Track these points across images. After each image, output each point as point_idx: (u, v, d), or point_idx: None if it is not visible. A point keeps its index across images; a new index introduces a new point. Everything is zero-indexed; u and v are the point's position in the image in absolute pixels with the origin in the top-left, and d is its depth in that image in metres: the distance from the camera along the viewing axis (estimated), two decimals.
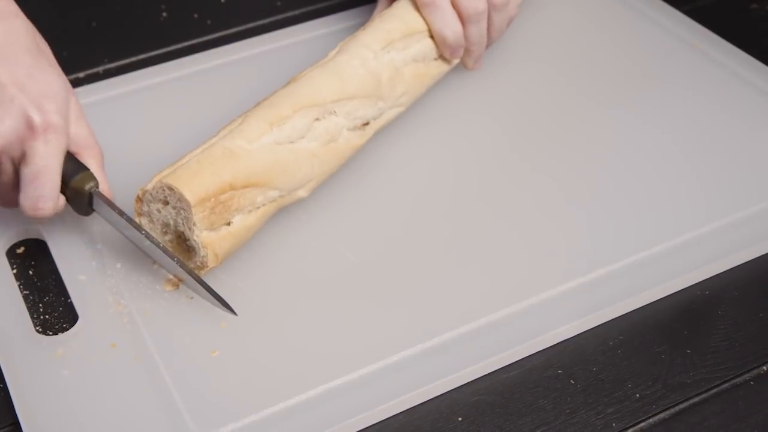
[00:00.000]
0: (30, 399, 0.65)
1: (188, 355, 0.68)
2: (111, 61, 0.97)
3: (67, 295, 0.72)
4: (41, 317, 0.72)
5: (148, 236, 0.70)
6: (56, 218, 0.77)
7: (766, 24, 1.03)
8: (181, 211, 0.69)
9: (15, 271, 0.75)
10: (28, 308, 0.72)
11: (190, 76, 0.93)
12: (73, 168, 0.71)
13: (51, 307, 0.73)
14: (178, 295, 0.72)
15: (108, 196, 0.72)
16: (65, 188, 0.71)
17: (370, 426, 0.65)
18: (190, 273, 0.70)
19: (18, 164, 0.69)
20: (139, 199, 0.71)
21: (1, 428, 0.66)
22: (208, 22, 1.03)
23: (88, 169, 0.71)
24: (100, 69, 0.96)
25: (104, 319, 0.70)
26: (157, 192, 0.70)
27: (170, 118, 0.87)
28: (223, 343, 0.69)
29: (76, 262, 0.74)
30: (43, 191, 0.69)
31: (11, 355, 0.68)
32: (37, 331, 0.70)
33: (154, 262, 0.73)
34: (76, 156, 0.72)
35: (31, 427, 0.63)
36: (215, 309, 0.71)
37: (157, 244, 0.70)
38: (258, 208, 0.73)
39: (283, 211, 0.77)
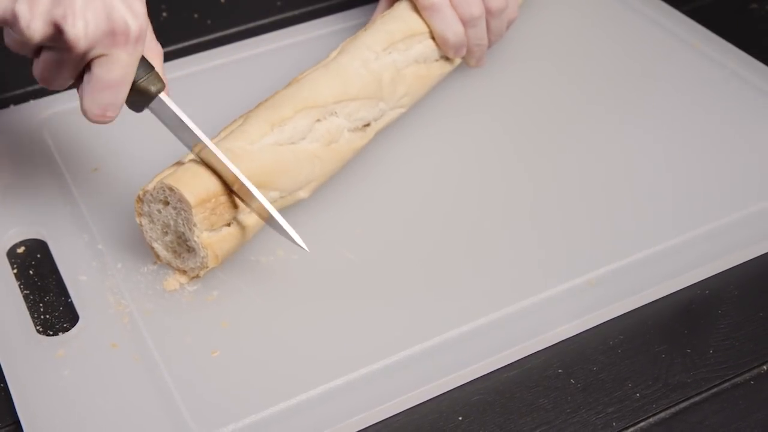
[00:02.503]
0: (31, 399, 0.65)
1: (189, 355, 0.68)
2: None
3: (67, 295, 0.72)
4: (42, 317, 0.72)
5: (205, 141, 0.68)
6: (56, 218, 0.77)
7: (765, 24, 1.03)
8: (182, 212, 0.69)
9: (15, 271, 0.75)
10: (29, 308, 0.72)
11: (190, 76, 0.93)
12: (141, 66, 0.67)
13: (51, 307, 0.73)
14: (179, 295, 0.72)
15: (167, 93, 0.69)
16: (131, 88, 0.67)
17: (370, 426, 0.65)
18: (255, 191, 0.68)
19: (92, 63, 0.64)
20: (140, 200, 0.71)
21: (1, 428, 0.66)
22: (209, 22, 1.03)
23: (154, 70, 0.68)
24: None
25: (105, 319, 0.70)
26: (157, 192, 0.70)
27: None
28: (224, 343, 0.69)
29: (77, 262, 0.74)
30: (115, 100, 0.65)
31: (12, 355, 0.68)
32: (38, 331, 0.70)
33: (157, 258, 0.73)
34: (148, 61, 0.69)
35: (31, 427, 0.63)
36: (215, 309, 0.71)
37: (215, 151, 0.67)
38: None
39: (284, 212, 0.77)
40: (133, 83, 0.67)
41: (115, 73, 0.64)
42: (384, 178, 0.82)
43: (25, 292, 0.74)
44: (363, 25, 0.94)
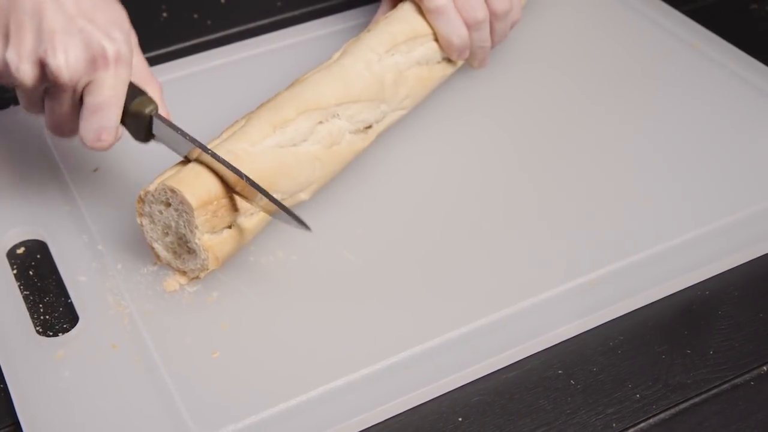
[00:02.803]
0: (30, 399, 0.65)
1: (189, 356, 0.68)
2: None
3: (67, 296, 0.72)
4: (42, 318, 0.72)
5: (215, 156, 0.69)
6: (56, 219, 0.77)
7: (766, 24, 1.03)
8: (183, 214, 0.69)
9: (15, 271, 0.75)
10: (29, 309, 0.72)
11: (190, 77, 0.93)
12: (131, 93, 0.70)
13: (51, 308, 0.73)
14: (179, 296, 0.72)
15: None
16: (124, 115, 0.70)
17: (370, 426, 0.65)
18: (259, 189, 0.69)
19: (80, 94, 0.68)
20: (141, 200, 0.71)
21: (1, 428, 0.66)
22: (209, 22, 1.03)
23: (146, 93, 0.70)
24: None
25: (105, 320, 0.70)
26: (159, 194, 0.70)
27: (171, 118, 0.87)
28: (224, 343, 0.69)
29: (77, 263, 0.74)
30: (107, 123, 0.68)
31: (12, 356, 0.68)
32: (38, 332, 0.70)
33: (157, 259, 0.73)
34: (138, 82, 0.71)
35: (31, 428, 0.63)
36: (215, 310, 0.71)
37: (226, 163, 0.68)
38: (259, 211, 0.73)
39: None
40: (127, 108, 0.69)
41: (102, 96, 0.67)
42: (384, 179, 0.82)
43: (25, 292, 0.74)
44: (363, 25, 0.94)
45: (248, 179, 0.69)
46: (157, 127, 0.71)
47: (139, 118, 0.70)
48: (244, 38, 0.98)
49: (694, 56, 0.95)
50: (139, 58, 0.73)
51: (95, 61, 0.66)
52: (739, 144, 0.85)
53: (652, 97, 0.90)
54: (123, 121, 0.70)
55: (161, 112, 0.72)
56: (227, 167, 0.68)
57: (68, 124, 0.71)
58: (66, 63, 0.65)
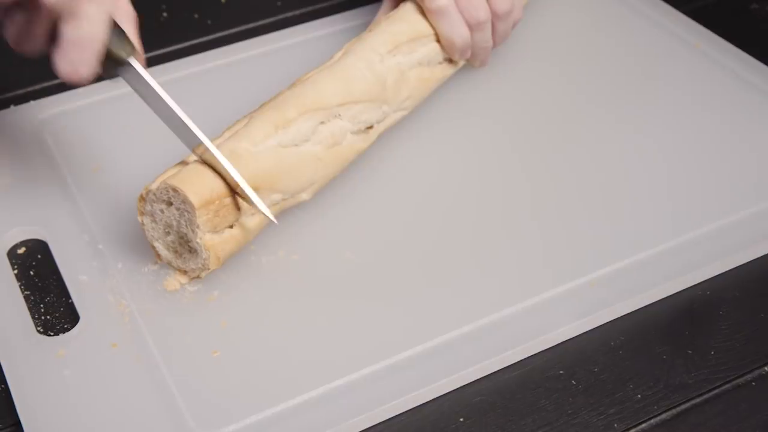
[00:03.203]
0: (31, 399, 0.65)
1: (189, 355, 0.68)
2: None
3: (68, 296, 0.72)
4: (42, 318, 0.72)
5: (175, 110, 0.69)
6: (57, 218, 0.77)
7: (766, 24, 1.03)
8: (185, 213, 0.69)
9: (16, 271, 0.75)
10: (30, 309, 0.72)
11: (190, 77, 0.93)
12: (112, 32, 0.68)
13: (52, 308, 0.73)
14: (180, 296, 0.72)
15: (141, 61, 0.70)
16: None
17: (371, 426, 0.65)
18: (217, 155, 0.69)
19: (60, 21, 0.65)
20: (143, 198, 0.71)
21: (2, 428, 0.66)
22: (209, 22, 1.03)
23: (125, 35, 0.69)
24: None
25: (105, 320, 0.70)
26: (161, 193, 0.70)
27: (143, 57, 0.86)
28: (225, 343, 0.69)
29: (77, 263, 0.74)
30: (87, 56, 0.66)
31: (12, 356, 0.68)
32: (39, 331, 0.70)
33: (158, 257, 0.73)
34: (120, 27, 0.69)
35: (32, 428, 0.63)
36: (216, 309, 0.71)
37: (184, 119, 0.69)
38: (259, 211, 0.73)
39: (286, 212, 0.77)
40: (107, 47, 0.67)
41: (83, 29, 0.64)
42: (386, 180, 0.82)
43: (25, 292, 0.74)
44: (364, 25, 0.94)
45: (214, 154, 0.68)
46: (129, 71, 0.69)
47: (116, 61, 0.68)
48: (244, 38, 0.98)
49: (694, 56, 0.95)
50: None
51: None
52: (739, 144, 0.85)
53: (652, 98, 0.90)
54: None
55: (140, 52, 0.70)
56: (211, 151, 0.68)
57: (33, 43, 0.67)
58: None
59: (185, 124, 0.69)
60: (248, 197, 0.70)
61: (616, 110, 0.89)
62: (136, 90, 0.71)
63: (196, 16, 1.04)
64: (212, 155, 0.70)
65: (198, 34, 1.00)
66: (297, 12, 1.04)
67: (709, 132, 0.86)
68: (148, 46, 0.97)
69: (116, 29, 0.68)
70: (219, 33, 1.01)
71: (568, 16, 1.01)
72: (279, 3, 1.05)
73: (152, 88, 0.70)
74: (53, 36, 0.66)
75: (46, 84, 0.93)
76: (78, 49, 0.65)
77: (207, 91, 0.91)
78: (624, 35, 0.98)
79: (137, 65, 0.69)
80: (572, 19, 1.00)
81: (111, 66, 0.69)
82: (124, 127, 0.86)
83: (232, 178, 0.69)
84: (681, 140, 0.85)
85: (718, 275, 0.75)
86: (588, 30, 0.99)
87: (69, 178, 0.81)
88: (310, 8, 1.04)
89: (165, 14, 1.04)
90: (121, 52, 0.68)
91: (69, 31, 0.65)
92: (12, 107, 0.90)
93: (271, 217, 0.71)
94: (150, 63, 0.95)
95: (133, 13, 0.71)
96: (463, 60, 0.87)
